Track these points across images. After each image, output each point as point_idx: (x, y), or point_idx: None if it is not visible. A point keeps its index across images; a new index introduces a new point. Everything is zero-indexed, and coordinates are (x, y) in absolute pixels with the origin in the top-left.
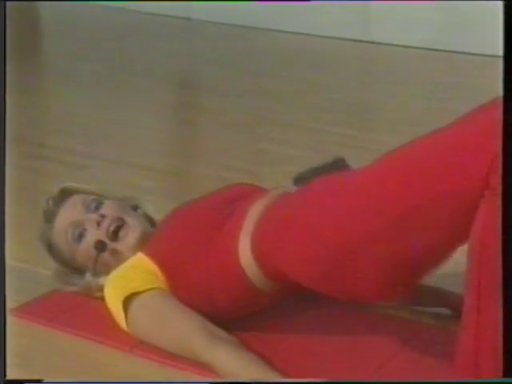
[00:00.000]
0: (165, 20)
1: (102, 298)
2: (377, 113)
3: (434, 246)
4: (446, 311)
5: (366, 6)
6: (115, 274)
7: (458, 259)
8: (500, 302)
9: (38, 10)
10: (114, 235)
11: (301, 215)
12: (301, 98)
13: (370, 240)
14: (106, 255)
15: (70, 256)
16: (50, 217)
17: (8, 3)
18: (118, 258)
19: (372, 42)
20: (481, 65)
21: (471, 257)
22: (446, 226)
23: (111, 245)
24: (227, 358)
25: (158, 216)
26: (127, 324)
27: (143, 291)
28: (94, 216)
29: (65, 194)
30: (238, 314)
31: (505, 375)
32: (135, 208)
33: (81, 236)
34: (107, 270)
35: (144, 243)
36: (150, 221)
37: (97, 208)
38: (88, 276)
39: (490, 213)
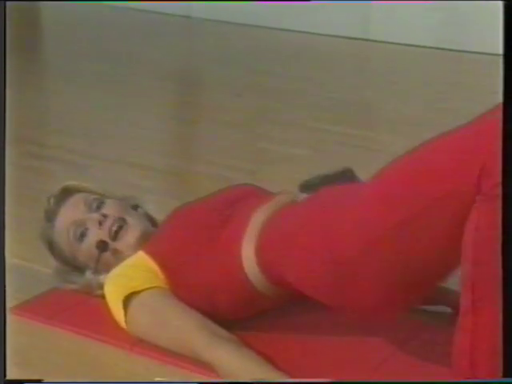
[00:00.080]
0: (165, 18)
1: (102, 296)
2: (376, 112)
3: (433, 255)
4: (446, 309)
5: (367, 4)
6: (116, 272)
7: None
8: (496, 302)
9: (39, 9)
10: (115, 235)
11: (307, 226)
12: (301, 96)
13: (372, 252)
14: (107, 255)
15: (71, 255)
16: (51, 215)
17: (9, 3)
18: (120, 258)
19: (372, 41)
20: (481, 63)
21: (465, 259)
22: (442, 234)
23: (113, 244)
24: (228, 356)
25: (158, 215)
26: (126, 323)
27: (143, 290)
28: (96, 216)
29: (66, 193)
30: (238, 315)
31: (505, 375)
32: (136, 207)
33: (82, 235)
34: (108, 268)
35: (144, 242)
36: (151, 220)
37: (98, 207)
38: (88, 274)
39: (481, 217)
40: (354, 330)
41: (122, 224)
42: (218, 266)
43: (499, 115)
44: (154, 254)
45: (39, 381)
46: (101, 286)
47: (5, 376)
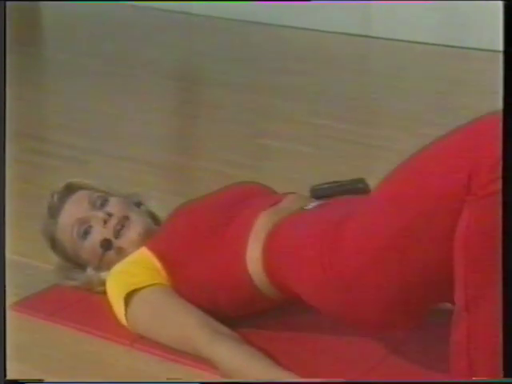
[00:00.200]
0: (165, 14)
1: (103, 293)
2: (377, 108)
3: (433, 263)
4: (446, 306)
5: (368, 2)
6: (117, 268)
7: None
8: (490, 300)
9: (39, 9)
10: (119, 233)
11: (313, 239)
12: (301, 92)
13: (374, 266)
14: (111, 253)
15: (74, 252)
16: (54, 212)
17: (9, 3)
18: (123, 256)
19: (373, 38)
20: (482, 60)
21: (457, 258)
22: (441, 238)
23: (117, 243)
24: (229, 353)
25: (160, 211)
26: (127, 319)
27: (144, 287)
28: (101, 214)
29: (70, 190)
30: (239, 314)
31: (505, 375)
32: (138, 205)
33: (86, 233)
34: (110, 266)
35: (147, 239)
36: (153, 217)
37: (102, 205)
38: (89, 271)
39: (472, 215)
40: (353, 329)
41: (126, 222)
42: (220, 265)
43: (491, 118)
44: (156, 251)
45: (40, 381)
46: (102, 283)
47: (5, 376)
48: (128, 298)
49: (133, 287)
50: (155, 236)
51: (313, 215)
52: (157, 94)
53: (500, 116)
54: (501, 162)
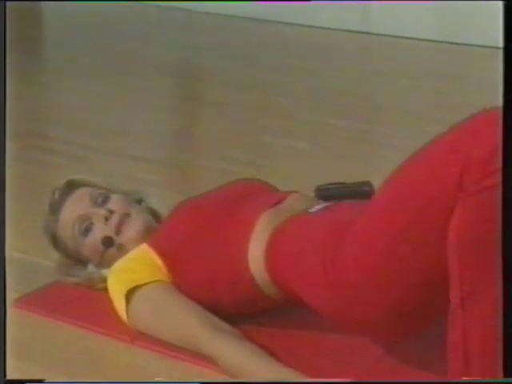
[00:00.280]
0: (165, 12)
1: (104, 290)
2: (377, 105)
3: (431, 264)
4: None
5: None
6: (118, 265)
7: None
8: (485, 297)
9: (40, 9)
10: (120, 230)
11: (316, 245)
12: (301, 89)
13: (373, 273)
14: (112, 250)
15: (75, 249)
16: (55, 209)
17: (9, 3)
18: (124, 253)
19: (373, 34)
20: (482, 56)
21: (450, 257)
22: (436, 238)
23: (118, 240)
24: (230, 349)
25: (161, 208)
26: (128, 316)
27: (145, 284)
28: (103, 211)
29: (71, 187)
30: (240, 311)
31: (505, 375)
32: (139, 202)
33: (87, 230)
34: (112, 263)
35: (147, 236)
36: (154, 214)
37: (104, 202)
38: (90, 268)
39: (464, 212)
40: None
41: (127, 220)
42: (222, 263)
43: (483, 115)
44: (157, 248)
45: (40, 381)
46: (103, 280)
47: (5, 376)
48: (129, 294)
49: (134, 284)
50: (156, 233)
51: (317, 219)
52: (158, 91)
53: (492, 113)
54: (492, 159)
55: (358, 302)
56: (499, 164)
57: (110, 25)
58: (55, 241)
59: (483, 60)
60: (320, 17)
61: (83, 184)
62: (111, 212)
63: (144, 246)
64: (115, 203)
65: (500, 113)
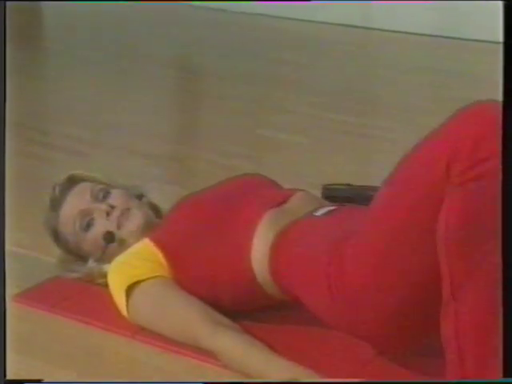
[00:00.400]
0: (166, 6)
1: (105, 285)
2: (376, 99)
3: (429, 265)
4: None
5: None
6: (119, 260)
7: None
8: (476, 289)
9: (40, 9)
10: (121, 224)
11: (324, 254)
12: (300, 84)
13: (374, 280)
14: (113, 245)
15: (76, 244)
16: (56, 204)
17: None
18: (125, 248)
19: (372, 29)
20: (481, 51)
21: (439, 248)
22: (430, 232)
23: (119, 235)
24: (230, 343)
25: (161, 203)
26: (128, 311)
27: (146, 279)
28: (104, 206)
29: (71, 182)
30: (240, 309)
31: (505, 375)
32: (140, 197)
33: (89, 225)
34: (112, 258)
35: (148, 231)
36: (155, 209)
37: (104, 197)
38: (91, 263)
39: (452, 203)
40: None
41: (127, 214)
42: (224, 261)
43: (471, 108)
44: (159, 243)
45: (39, 381)
46: (103, 275)
47: (5, 376)
48: (129, 289)
49: (134, 279)
50: (158, 228)
51: (321, 224)
52: (157, 85)
53: (480, 105)
54: (478, 149)
55: (360, 310)
56: (485, 154)
57: (111, 23)
58: (56, 236)
59: (482, 55)
60: (320, 12)
61: (84, 179)
62: (112, 207)
63: (146, 241)
64: (116, 198)
65: (489, 106)
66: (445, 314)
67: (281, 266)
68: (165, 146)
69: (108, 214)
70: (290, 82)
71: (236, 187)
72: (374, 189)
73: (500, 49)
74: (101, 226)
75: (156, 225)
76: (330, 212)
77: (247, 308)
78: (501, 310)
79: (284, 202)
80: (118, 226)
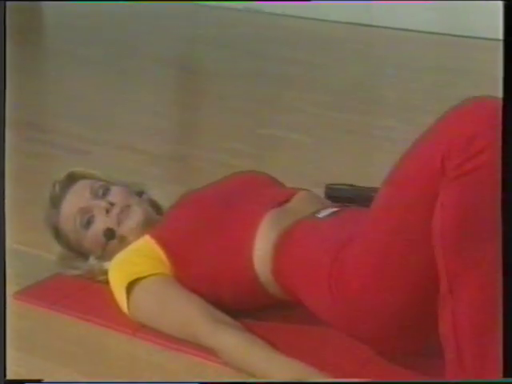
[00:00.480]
0: (167, 4)
1: (105, 282)
2: (378, 98)
3: (428, 265)
4: None
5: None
6: (120, 257)
7: None
8: (473, 283)
9: (41, 9)
10: (121, 221)
11: (326, 256)
12: (302, 82)
13: (376, 282)
14: (114, 242)
15: (77, 241)
16: (56, 202)
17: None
18: (126, 245)
19: (373, 26)
20: (484, 49)
21: (435, 242)
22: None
23: (120, 232)
24: (231, 341)
25: (161, 200)
26: (129, 308)
27: (146, 276)
28: (103, 203)
29: (71, 179)
30: (241, 308)
31: (505, 375)
32: (140, 194)
33: (89, 222)
34: (113, 255)
35: (148, 228)
36: (155, 206)
37: (104, 194)
38: (91, 260)
39: (446, 197)
40: None
41: (127, 211)
42: (225, 259)
43: (464, 104)
44: (160, 239)
45: (39, 381)
46: (104, 272)
47: (5, 376)
48: (130, 287)
49: (135, 276)
50: (159, 225)
51: (324, 226)
52: (159, 83)
53: (475, 101)
54: (472, 143)
55: (360, 310)
56: (479, 148)
57: (111, 22)
58: (57, 234)
59: (484, 52)
60: (322, 9)
61: (83, 176)
62: (112, 204)
63: (146, 238)
64: (116, 195)
65: (483, 101)
66: (442, 310)
67: (284, 266)
68: (166, 144)
69: (108, 210)
70: (292, 80)
71: (238, 185)
72: (377, 190)
73: (501, 46)
74: (101, 222)
75: (156, 222)
76: (332, 214)
77: (248, 307)
78: (500, 309)
79: (286, 201)
80: (118, 223)
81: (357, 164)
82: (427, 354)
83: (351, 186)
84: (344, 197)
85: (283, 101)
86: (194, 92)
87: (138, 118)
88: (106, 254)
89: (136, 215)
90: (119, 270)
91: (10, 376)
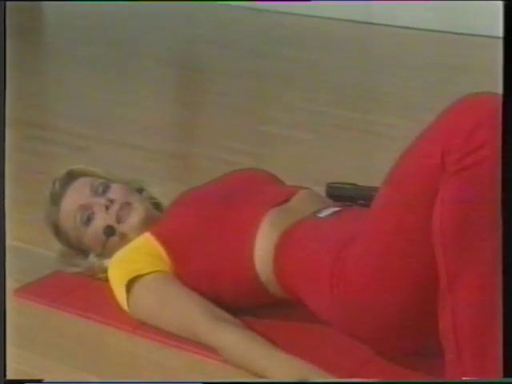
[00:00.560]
0: (167, 4)
1: (105, 279)
2: (378, 95)
3: (429, 264)
4: None
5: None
6: (120, 254)
7: None
8: (473, 279)
9: (41, 9)
10: (121, 219)
11: (328, 256)
12: (302, 79)
13: (377, 281)
14: (114, 239)
15: (77, 239)
16: (56, 199)
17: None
18: (126, 242)
19: (373, 24)
20: (483, 46)
21: (434, 239)
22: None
23: (120, 229)
24: (231, 338)
25: (161, 198)
26: (129, 306)
27: (146, 274)
28: (103, 200)
29: (71, 177)
30: (241, 306)
31: (505, 375)
32: (140, 191)
33: (89, 219)
34: (113, 252)
35: (148, 225)
36: (155, 203)
37: (104, 191)
38: (92, 257)
39: (446, 194)
40: None
41: (127, 208)
42: (226, 257)
43: (464, 100)
44: (160, 236)
45: (39, 381)
46: (104, 270)
47: (5, 376)
48: (130, 284)
49: (135, 274)
50: (159, 222)
51: (325, 226)
52: (158, 81)
53: (474, 97)
54: (472, 137)
55: (360, 310)
56: (479, 143)
57: (112, 22)
58: (57, 231)
59: (484, 50)
60: (321, 7)
61: (83, 174)
62: (111, 201)
63: (146, 235)
64: (116, 192)
65: (482, 97)
66: (442, 310)
67: (285, 266)
68: (166, 142)
69: (107, 207)
70: (292, 78)
71: (239, 182)
72: (378, 190)
73: (501, 44)
74: (100, 220)
75: (157, 219)
76: (334, 213)
77: (248, 305)
78: (500, 308)
79: (287, 200)
80: (119, 220)
81: (359, 162)
82: (427, 354)
83: (352, 184)
84: (345, 196)
85: (284, 99)
86: (194, 90)
87: (139, 116)
88: (106, 252)
89: (137, 213)
90: (119, 268)
91: (9, 372)
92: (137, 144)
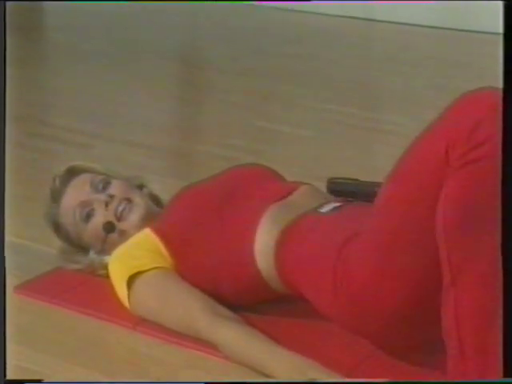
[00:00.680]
0: (167, 4)
1: (106, 276)
2: (380, 92)
3: (432, 260)
4: None
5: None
6: (120, 250)
7: None
8: (476, 275)
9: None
10: (121, 215)
11: (330, 251)
12: (304, 76)
13: (380, 278)
14: (114, 236)
15: (77, 235)
16: (56, 196)
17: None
18: (126, 238)
19: (375, 20)
20: (483, 42)
21: (438, 235)
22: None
23: (119, 225)
24: (232, 334)
25: (162, 194)
26: (130, 302)
27: (147, 270)
28: (103, 197)
29: (72, 173)
30: (241, 302)
31: (505, 375)
32: (140, 187)
33: (89, 216)
34: (113, 249)
35: (149, 222)
36: (155, 200)
37: (104, 188)
38: (92, 254)
39: (450, 189)
40: None
41: (127, 204)
42: (226, 253)
43: (466, 96)
44: (160, 232)
45: (39, 381)
46: (104, 266)
47: (5, 376)
48: (130, 280)
49: (135, 270)
50: (159, 218)
51: (327, 221)
52: (159, 78)
53: (477, 93)
54: (476, 132)
55: (362, 307)
56: (483, 138)
57: (113, 21)
58: (57, 228)
59: (484, 46)
60: (322, 3)
61: (84, 170)
62: (111, 197)
63: (147, 231)
64: (116, 188)
65: (485, 92)
66: (445, 302)
67: (286, 262)
68: (166, 138)
69: (107, 204)
70: (293, 74)
71: (239, 178)
72: (380, 185)
73: (501, 40)
74: (100, 216)
75: (157, 215)
76: (335, 209)
77: (249, 301)
78: (501, 309)
79: (288, 195)
80: (119, 217)
81: (359, 158)
82: (429, 350)
83: (354, 180)
84: (347, 191)
85: (285, 95)
86: (195, 87)
87: (139, 113)
88: (106, 248)
89: (137, 209)
90: (120, 264)
91: (10, 370)
92: (137, 141)
